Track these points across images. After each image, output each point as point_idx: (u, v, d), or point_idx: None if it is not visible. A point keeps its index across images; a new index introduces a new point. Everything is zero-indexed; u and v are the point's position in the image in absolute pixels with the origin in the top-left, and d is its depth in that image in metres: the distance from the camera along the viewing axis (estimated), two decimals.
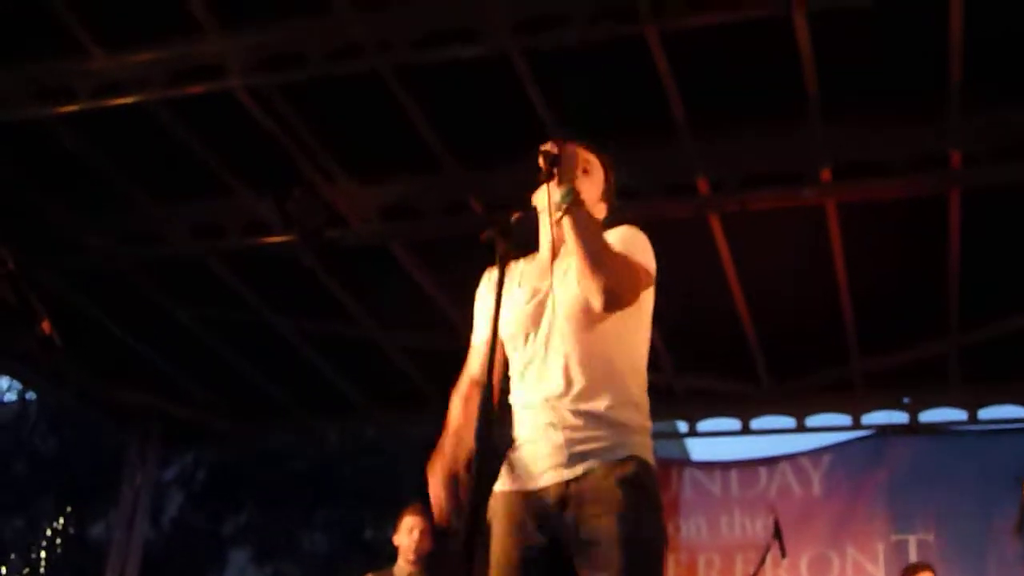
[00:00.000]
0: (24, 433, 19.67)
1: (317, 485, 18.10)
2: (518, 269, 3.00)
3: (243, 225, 6.56)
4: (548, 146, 2.76)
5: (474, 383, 2.98)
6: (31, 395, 19.47)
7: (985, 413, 8.13)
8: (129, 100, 5.61)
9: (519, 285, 2.96)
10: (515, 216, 2.71)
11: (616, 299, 2.72)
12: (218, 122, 5.96)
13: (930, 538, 7.98)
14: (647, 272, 2.87)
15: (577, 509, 2.70)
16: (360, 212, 6.26)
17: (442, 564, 6.05)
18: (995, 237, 6.36)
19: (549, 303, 2.87)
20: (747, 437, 8.61)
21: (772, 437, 8.75)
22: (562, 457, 2.74)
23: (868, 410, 8.34)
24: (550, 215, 2.83)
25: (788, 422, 8.44)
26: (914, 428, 8.30)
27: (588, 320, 2.80)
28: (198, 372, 8.80)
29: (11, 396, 20.19)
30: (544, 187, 2.79)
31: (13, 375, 11.72)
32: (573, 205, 2.70)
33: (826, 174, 5.73)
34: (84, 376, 8.77)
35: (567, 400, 2.78)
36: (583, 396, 2.77)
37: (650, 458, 2.84)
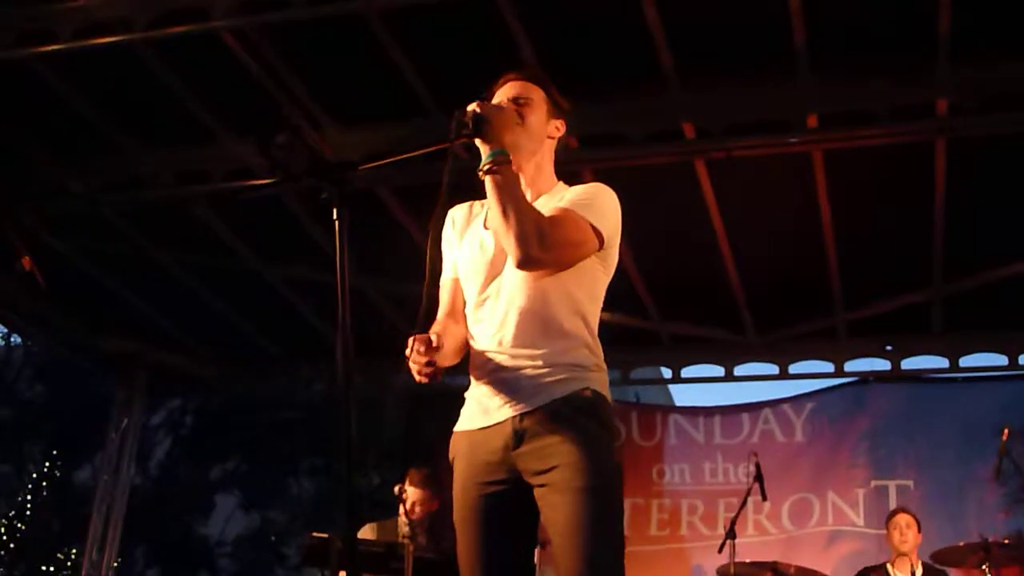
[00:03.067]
0: (9, 379, 19.68)
1: (304, 432, 18.17)
2: (484, 211, 3.02)
3: (228, 170, 6.52)
4: (474, 107, 2.78)
5: (447, 316, 3.00)
6: (16, 340, 19.47)
7: (966, 361, 8.23)
8: (111, 40, 5.54)
9: (484, 227, 2.98)
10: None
11: (531, 261, 2.73)
12: (202, 65, 5.91)
13: (910, 484, 8.08)
14: (593, 236, 2.83)
15: (534, 440, 2.72)
16: (344, 157, 6.23)
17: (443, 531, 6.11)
18: (980, 187, 6.38)
19: (501, 255, 2.87)
20: (731, 384, 8.68)
21: (755, 384, 8.83)
22: (516, 392, 2.78)
23: (851, 357, 8.42)
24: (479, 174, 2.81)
25: (771, 369, 8.51)
26: (896, 375, 8.38)
27: (537, 273, 2.82)
28: (184, 318, 8.80)
29: None
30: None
31: None
32: (496, 165, 2.73)
33: (812, 121, 5.73)
34: (70, 322, 8.77)
35: (520, 341, 2.80)
36: (536, 338, 2.80)
37: (605, 391, 2.84)
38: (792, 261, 7.29)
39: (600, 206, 2.88)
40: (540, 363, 2.77)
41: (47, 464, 18.72)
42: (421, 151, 2.95)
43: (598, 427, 2.74)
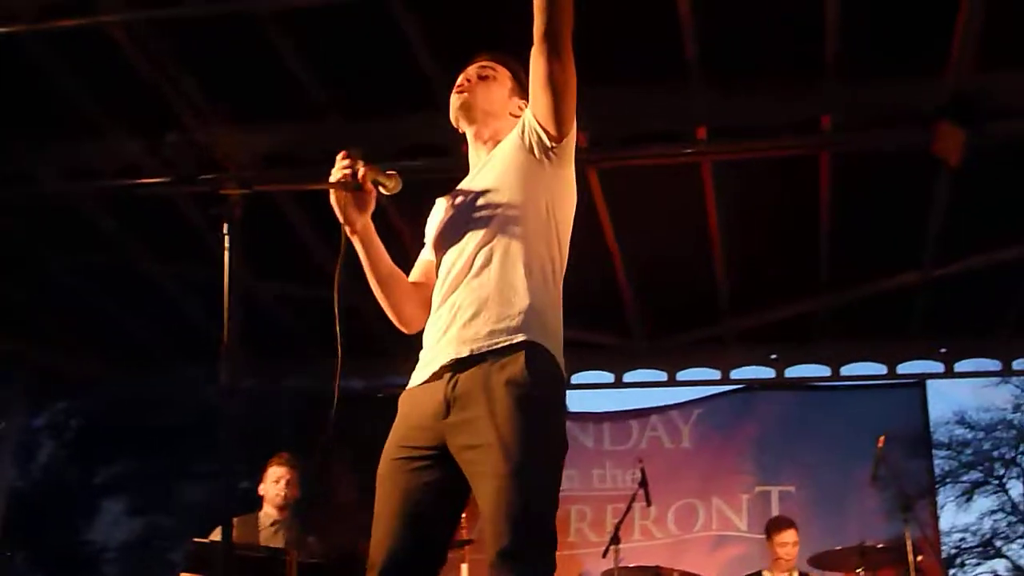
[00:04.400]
0: None
1: (193, 436, 17.84)
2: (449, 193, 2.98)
3: (116, 168, 6.39)
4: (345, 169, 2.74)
5: (413, 284, 2.98)
6: None
7: (847, 370, 8.47)
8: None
9: (445, 204, 2.95)
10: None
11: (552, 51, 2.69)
12: (91, 59, 5.79)
13: (792, 489, 8.28)
14: (569, 115, 2.76)
15: (462, 411, 2.57)
16: (236, 158, 6.16)
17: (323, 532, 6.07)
18: (863, 201, 6.58)
19: (458, 218, 2.83)
20: (620, 390, 8.78)
21: (644, 390, 8.95)
22: (447, 350, 2.65)
23: (737, 365, 8.60)
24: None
25: (660, 375, 8.65)
26: (780, 383, 8.57)
27: (489, 232, 2.72)
28: (70, 318, 8.59)
29: None
30: None
31: None
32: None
33: (702, 132, 5.84)
34: None
35: (461, 295, 2.69)
36: (477, 291, 2.67)
37: (546, 340, 2.64)
38: (681, 270, 7.42)
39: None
40: (473, 317, 2.64)
41: None
42: (309, 186, 2.93)
43: (530, 389, 2.52)
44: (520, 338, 2.59)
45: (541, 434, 2.52)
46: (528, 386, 2.52)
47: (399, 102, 5.94)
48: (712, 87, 5.67)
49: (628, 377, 8.70)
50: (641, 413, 8.96)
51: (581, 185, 6.41)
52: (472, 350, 2.59)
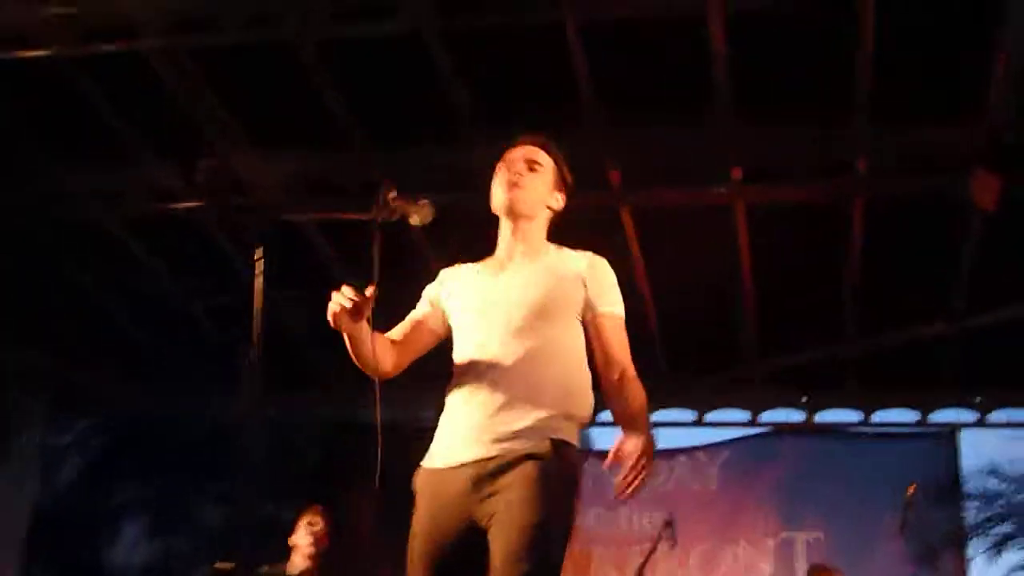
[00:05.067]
0: None
1: (213, 460, 17.85)
2: (472, 271, 3.13)
3: (147, 190, 6.43)
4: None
5: (394, 336, 3.06)
6: None
7: (878, 416, 8.36)
8: (34, 54, 5.44)
9: (475, 284, 3.10)
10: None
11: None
12: (127, 84, 5.83)
13: (819, 536, 8.15)
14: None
15: (492, 484, 2.77)
16: (267, 185, 6.18)
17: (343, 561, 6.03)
18: (895, 246, 6.51)
19: (497, 308, 2.97)
20: None
21: (671, 430, 8.86)
22: (482, 439, 2.83)
23: (766, 407, 8.51)
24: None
25: (688, 416, 8.56)
26: (809, 427, 8.47)
27: (530, 330, 2.92)
28: (96, 337, 8.62)
29: None
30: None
31: None
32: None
33: (736, 174, 5.80)
34: None
35: (498, 396, 2.86)
36: (514, 395, 2.86)
37: (572, 438, 2.90)
38: (712, 310, 7.36)
39: (618, 293, 3.06)
40: (511, 414, 2.83)
41: None
42: (345, 216, 2.93)
43: (552, 469, 2.77)
44: (552, 436, 2.81)
45: (559, 507, 2.76)
46: (553, 475, 2.77)
47: (429, 134, 5.94)
48: (746, 128, 5.64)
49: (656, 417, 8.61)
50: (668, 453, 8.86)
51: (613, 224, 6.42)
52: (504, 450, 2.79)
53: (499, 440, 2.80)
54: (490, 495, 2.77)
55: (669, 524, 6.50)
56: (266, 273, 2.52)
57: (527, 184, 3.04)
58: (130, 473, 19.57)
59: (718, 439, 8.87)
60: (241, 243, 2.53)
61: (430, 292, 3.15)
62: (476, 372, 2.91)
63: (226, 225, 6.56)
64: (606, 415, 8.76)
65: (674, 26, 5.04)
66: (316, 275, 6.86)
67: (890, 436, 8.56)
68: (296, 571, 5.87)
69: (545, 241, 3.13)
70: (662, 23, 5.01)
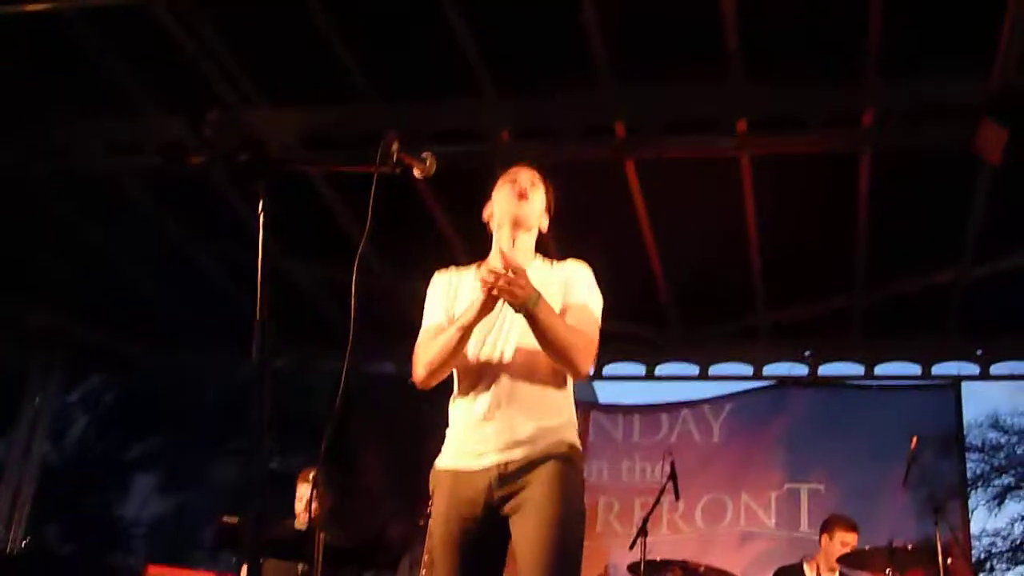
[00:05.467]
0: None
1: (226, 415, 17.97)
2: (469, 278, 3.39)
3: (157, 144, 6.43)
4: (498, 279, 3.06)
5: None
6: None
7: (881, 369, 8.39)
8: (42, 7, 5.44)
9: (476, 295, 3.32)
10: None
11: (579, 371, 3.23)
12: (134, 37, 5.83)
13: (821, 488, 8.23)
14: (597, 333, 3.33)
15: (514, 483, 3.14)
16: (276, 137, 6.19)
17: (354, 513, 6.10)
18: (902, 197, 6.51)
19: (499, 318, 3.26)
20: (651, 383, 8.77)
21: (675, 383, 8.93)
22: (503, 443, 3.17)
23: (770, 361, 8.55)
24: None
25: (692, 369, 8.61)
26: (813, 380, 8.52)
27: (529, 338, 3.19)
28: (107, 295, 8.66)
29: None
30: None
31: None
32: (536, 306, 3.09)
33: (741, 126, 5.80)
34: None
35: (511, 402, 3.21)
36: (525, 399, 3.22)
37: (578, 442, 3.28)
38: (717, 263, 7.38)
39: (596, 300, 3.39)
40: (526, 420, 3.19)
41: None
42: (349, 168, 2.97)
43: (570, 470, 3.17)
44: (561, 437, 3.21)
45: (575, 495, 3.16)
46: (571, 474, 3.17)
47: (438, 86, 5.95)
48: (753, 80, 5.63)
49: (660, 370, 8.67)
50: (672, 407, 8.93)
51: (618, 177, 6.44)
52: (524, 453, 3.16)
53: (517, 444, 3.17)
54: (512, 493, 3.13)
55: (672, 476, 6.57)
56: (272, 226, 2.54)
57: (532, 198, 3.41)
58: (142, 430, 19.76)
59: (722, 393, 8.96)
60: (249, 196, 2.53)
61: (440, 301, 3.43)
62: (483, 378, 3.25)
63: (234, 178, 6.58)
64: (611, 369, 8.79)
65: None
66: (324, 228, 6.92)
67: (893, 388, 8.60)
68: (303, 527, 5.96)
69: (536, 254, 3.47)
70: None
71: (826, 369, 8.51)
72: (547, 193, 3.49)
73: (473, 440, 3.23)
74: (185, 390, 17.61)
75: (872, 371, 8.37)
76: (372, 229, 2.83)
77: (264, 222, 2.54)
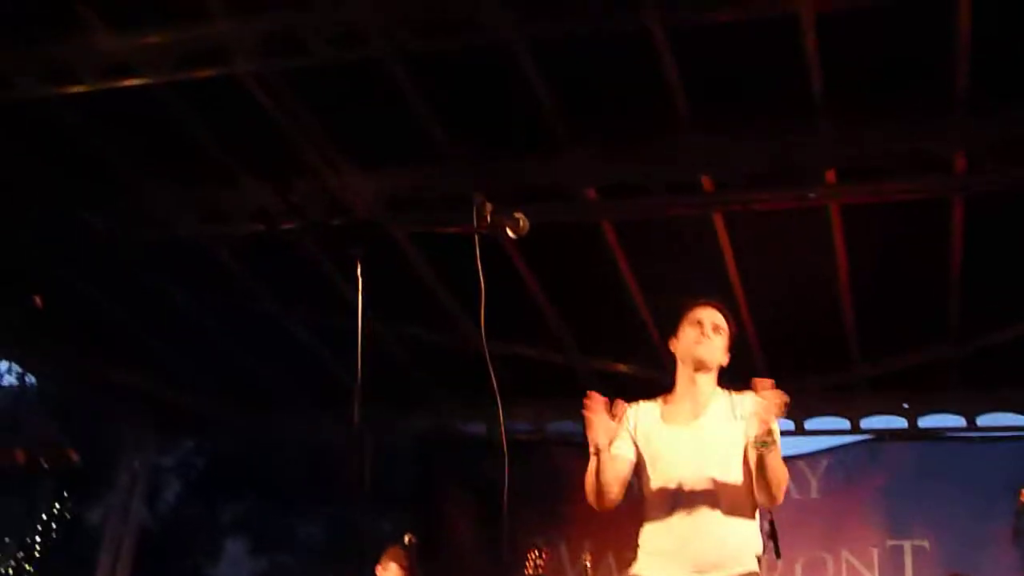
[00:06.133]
0: (22, 416, 19.63)
1: (315, 477, 18.08)
2: (657, 413, 3.81)
3: (248, 213, 6.53)
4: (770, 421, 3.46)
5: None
6: (31, 380, 19.45)
7: (983, 420, 8.16)
8: (135, 83, 5.57)
9: (669, 432, 3.76)
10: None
11: (777, 504, 3.62)
12: (224, 108, 5.94)
13: (926, 544, 7.98)
14: None
15: None
16: (362, 201, 6.24)
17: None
18: (998, 243, 6.35)
19: (693, 457, 3.64)
20: None
21: None
22: (693, 565, 3.52)
23: (867, 414, 8.36)
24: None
25: (787, 424, 8.43)
26: (912, 433, 8.30)
27: (718, 472, 3.60)
28: (199, 359, 8.80)
29: (10, 379, 20.18)
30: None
31: (11, 357, 11.72)
32: (773, 444, 3.47)
33: (831, 175, 5.71)
34: (85, 361, 8.77)
35: (705, 530, 3.55)
36: (716, 532, 3.55)
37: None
38: (809, 316, 7.25)
39: (777, 426, 3.60)
40: (714, 549, 3.54)
41: (57, 504, 18.62)
42: (444, 230, 3.00)
43: None
44: (751, 569, 3.59)
45: None
46: None
47: (521, 146, 5.95)
48: (839, 127, 5.54)
49: None
50: None
51: (706, 229, 6.37)
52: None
53: (709, 568, 3.50)
54: None
55: (772, 535, 6.40)
56: (365, 289, 2.54)
57: (714, 344, 3.77)
58: (233, 493, 19.95)
59: (819, 448, 8.76)
60: (340, 260, 2.55)
61: (629, 433, 3.76)
62: (678, 506, 3.59)
63: (328, 243, 6.65)
64: None
65: (765, 26, 4.97)
66: (412, 290, 6.94)
67: (996, 440, 8.34)
68: None
69: (717, 387, 3.81)
70: (752, 24, 4.95)
71: (925, 421, 8.29)
72: (729, 332, 3.84)
73: (665, 560, 3.57)
74: (274, 453, 17.77)
75: (974, 422, 8.13)
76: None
77: (362, 285, 2.55)
